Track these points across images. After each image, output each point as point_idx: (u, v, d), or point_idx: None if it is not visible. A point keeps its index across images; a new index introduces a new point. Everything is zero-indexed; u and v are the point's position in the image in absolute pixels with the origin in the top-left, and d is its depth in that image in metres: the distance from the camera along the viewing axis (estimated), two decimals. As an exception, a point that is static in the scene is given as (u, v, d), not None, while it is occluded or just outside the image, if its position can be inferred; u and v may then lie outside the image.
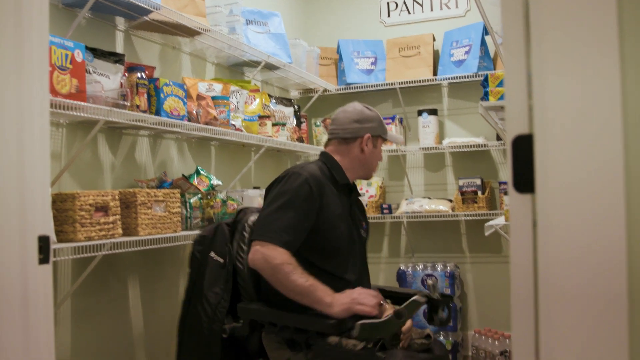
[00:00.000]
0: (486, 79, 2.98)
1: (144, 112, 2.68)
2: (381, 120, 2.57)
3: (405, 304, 2.13)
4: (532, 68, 1.07)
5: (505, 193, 4.26)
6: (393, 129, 4.64)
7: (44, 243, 1.49)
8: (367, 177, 2.60)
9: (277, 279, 2.15)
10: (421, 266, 4.55)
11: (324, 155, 2.51)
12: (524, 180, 1.09)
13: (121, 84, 2.66)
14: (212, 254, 2.35)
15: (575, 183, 1.04)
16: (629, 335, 1.01)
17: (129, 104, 2.62)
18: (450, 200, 4.60)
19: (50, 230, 1.54)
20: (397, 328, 2.11)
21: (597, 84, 1.04)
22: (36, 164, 1.49)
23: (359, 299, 2.12)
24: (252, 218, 2.40)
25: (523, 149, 1.09)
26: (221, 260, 2.35)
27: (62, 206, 2.31)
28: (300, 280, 2.12)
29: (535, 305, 1.11)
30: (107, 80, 2.61)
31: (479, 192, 4.45)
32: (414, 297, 2.19)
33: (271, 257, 2.14)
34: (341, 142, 2.49)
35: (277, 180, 2.33)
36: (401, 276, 4.46)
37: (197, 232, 2.71)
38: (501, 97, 2.91)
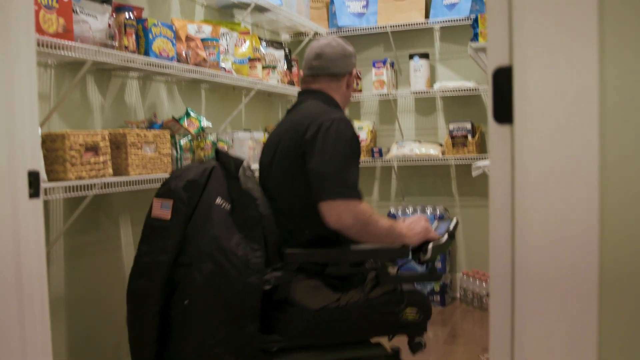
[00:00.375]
0: (476, 19, 2.97)
1: (133, 52, 2.67)
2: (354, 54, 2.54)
3: (452, 226, 2.29)
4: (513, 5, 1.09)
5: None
6: (384, 73, 4.63)
7: (33, 178, 1.51)
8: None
9: (367, 232, 2.13)
10: (411, 209, 4.61)
11: (321, 95, 2.39)
12: (503, 111, 1.11)
13: (109, 24, 2.64)
14: (219, 200, 2.10)
15: (552, 113, 1.06)
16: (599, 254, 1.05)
17: (117, 45, 2.60)
18: (441, 145, 4.63)
19: (39, 166, 1.56)
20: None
21: (575, 17, 1.06)
22: (24, 100, 1.50)
23: (426, 226, 2.24)
24: (252, 165, 2.29)
25: (503, 81, 1.11)
26: (229, 207, 2.13)
27: (52, 146, 2.33)
28: (384, 223, 2.17)
29: (512, 235, 1.15)
30: (95, 20, 2.58)
31: (469, 136, 4.47)
32: (456, 221, 2.36)
33: (360, 213, 2.10)
34: (332, 79, 2.41)
35: (308, 134, 2.18)
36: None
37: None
38: (490, 38, 2.90)
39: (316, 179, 2.13)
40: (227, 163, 2.21)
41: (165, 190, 2.17)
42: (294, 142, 2.22)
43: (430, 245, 2.19)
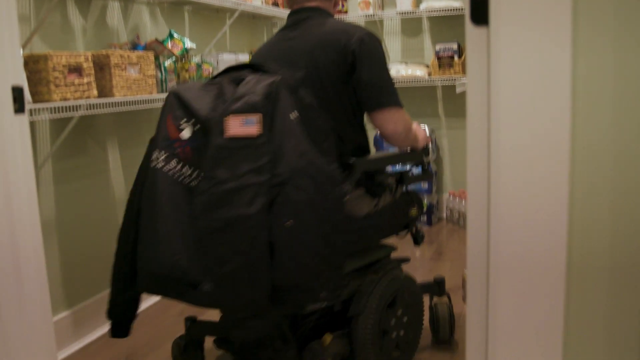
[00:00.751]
0: None
1: (112, -29, 2.63)
2: None
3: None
4: None
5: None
6: (370, -7, 4.56)
7: (18, 93, 1.52)
8: None
9: (408, 137, 2.30)
10: (397, 131, 4.62)
11: (325, 12, 2.33)
12: (480, 12, 1.12)
13: (87, -58, 2.59)
14: (294, 115, 1.89)
15: (524, 14, 1.08)
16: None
17: (96, -37, 2.56)
18: (427, 66, 4.62)
19: (23, 81, 1.57)
20: None
21: None
22: (2, 16, 1.49)
23: (423, 130, 2.53)
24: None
25: (479, -18, 1.12)
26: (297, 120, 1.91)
27: (35, 67, 2.32)
28: (413, 129, 2.37)
29: (488, 140, 1.18)
30: (72, -62, 2.54)
31: (456, 57, 4.46)
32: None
33: (408, 120, 2.27)
34: None
35: (350, 48, 2.15)
36: (378, 141, 4.54)
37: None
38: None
39: (371, 89, 2.17)
40: (285, 76, 1.95)
41: (243, 104, 1.85)
42: (336, 56, 2.16)
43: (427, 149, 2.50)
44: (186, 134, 1.94)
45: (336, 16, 3.28)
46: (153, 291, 1.99)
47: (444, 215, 4.79)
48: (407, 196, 2.47)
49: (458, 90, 3.30)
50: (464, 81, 3.34)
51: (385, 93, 2.19)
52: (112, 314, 2.07)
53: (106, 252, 2.99)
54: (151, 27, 3.31)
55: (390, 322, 2.28)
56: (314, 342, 2.15)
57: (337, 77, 2.18)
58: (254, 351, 2.19)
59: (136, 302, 2.11)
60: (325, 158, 1.91)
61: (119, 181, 3.08)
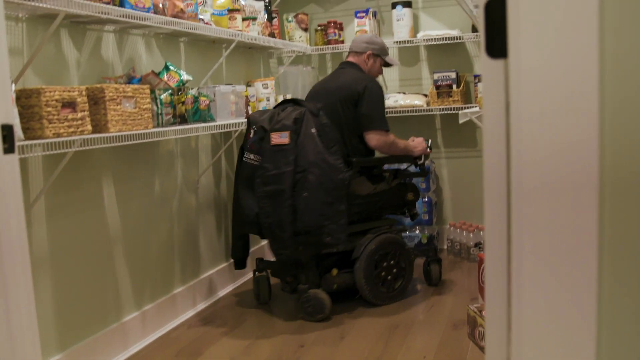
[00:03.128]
0: (461, -37, 2.89)
1: (107, 4, 2.58)
2: (383, 46, 3.80)
3: (429, 142, 3.81)
4: None
5: (480, 82, 4.23)
6: (367, 23, 4.54)
7: (7, 132, 1.45)
8: None
9: (390, 149, 3.62)
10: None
11: (352, 65, 3.78)
12: (497, 44, 1.06)
13: (81, -26, 2.54)
14: (313, 130, 3.22)
15: (549, 46, 1.01)
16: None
17: (90, -5, 2.51)
18: (425, 95, 4.58)
19: (13, 119, 1.50)
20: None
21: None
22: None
23: (424, 144, 3.75)
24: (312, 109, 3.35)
25: (496, 12, 1.05)
26: (317, 134, 3.25)
27: (27, 102, 2.25)
28: (401, 144, 3.66)
29: (508, 169, 1.11)
30: (66, -30, 2.49)
31: (454, 86, 4.42)
32: (430, 140, 3.86)
33: (388, 140, 3.60)
34: (356, 55, 3.80)
35: (358, 90, 3.55)
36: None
37: (169, 128, 2.90)
38: (476, -19, 2.83)
39: (366, 119, 3.55)
40: (310, 107, 3.32)
41: (281, 126, 3.24)
42: (350, 95, 3.56)
43: (427, 154, 3.79)
44: (252, 135, 3.37)
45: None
46: (244, 230, 3.56)
47: (445, 246, 4.71)
48: (403, 186, 3.74)
49: (461, 120, 3.24)
50: (467, 111, 3.29)
51: (373, 121, 3.56)
52: (233, 253, 3.69)
53: (100, 289, 2.90)
54: (147, 59, 3.25)
55: (382, 266, 3.50)
56: (328, 273, 3.45)
57: (349, 108, 3.57)
58: (291, 272, 3.53)
59: (247, 244, 3.71)
60: (333, 156, 3.24)
61: (114, 216, 3.00)
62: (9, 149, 1.45)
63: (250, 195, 3.34)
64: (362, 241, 3.45)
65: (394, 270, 3.55)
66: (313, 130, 3.21)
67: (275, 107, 3.50)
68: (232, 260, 3.80)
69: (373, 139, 3.53)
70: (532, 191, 1.07)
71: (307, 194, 3.18)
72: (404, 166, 3.87)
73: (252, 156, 3.34)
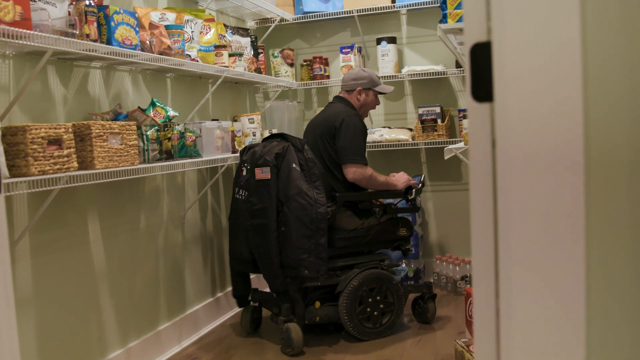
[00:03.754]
0: (444, 1, 2.93)
1: (94, 41, 2.59)
2: (371, 77, 3.82)
3: (423, 177, 3.91)
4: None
5: (465, 117, 4.27)
6: (352, 59, 4.59)
7: (-7, 172, 1.44)
8: (365, 116, 3.95)
9: (370, 183, 3.61)
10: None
11: (343, 100, 3.84)
12: (483, 88, 1.07)
13: (69, 12, 2.56)
14: (295, 165, 3.27)
15: (534, 91, 1.03)
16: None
17: (78, 33, 2.52)
18: (410, 129, 4.61)
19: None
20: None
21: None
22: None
23: (408, 177, 3.75)
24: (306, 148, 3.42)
25: (481, 57, 1.07)
26: (299, 169, 3.30)
27: (13, 140, 2.24)
28: (381, 178, 3.66)
29: (495, 215, 1.12)
30: (54, 8, 2.50)
31: (439, 120, 4.46)
32: (424, 175, 4.19)
33: (365, 173, 3.59)
34: (347, 92, 3.87)
35: (335, 124, 3.62)
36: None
37: (156, 164, 2.90)
38: (460, 19, 2.87)
39: (341, 151, 3.60)
40: (295, 142, 3.37)
41: (263, 161, 3.31)
42: (328, 129, 3.64)
43: (415, 189, 3.73)
44: (244, 172, 3.45)
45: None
46: (240, 269, 3.61)
47: (432, 280, 4.70)
48: (395, 220, 3.73)
49: (446, 156, 3.27)
50: (452, 146, 3.32)
51: (349, 154, 3.59)
52: (235, 291, 3.68)
53: (85, 326, 2.86)
54: (134, 94, 3.26)
55: (368, 302, 3.47)
56: (311, 306, 3.44)
57: (328, 142, 3.64)
58: (278, 302, 3.47)
59: (247, 280, 3.70)
60: (315, 190, 3.28)
61: (99, 252, 2.97)
62: (-5, 189, 1.44)
63: (241, 232, 3.45)
64: (347, 276, 3.45)
65: (381, 305, 3.52)
66: (294, 165, 3.27)
67: (262, 141, 3.58)
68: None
69: (350, 171, 3.58)
70: (519, 226, 1.08)
71: (285, 228, 3.25)
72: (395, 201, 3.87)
73: (242, 192, 3.46)
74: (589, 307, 1.05)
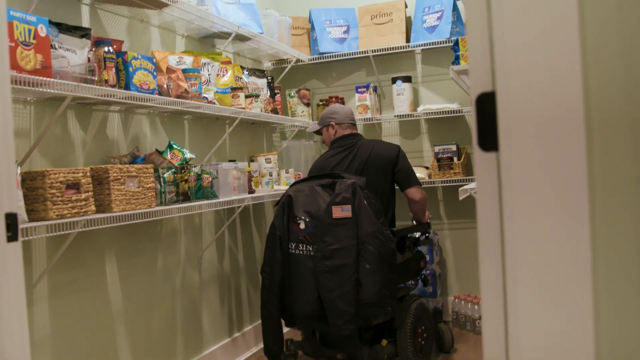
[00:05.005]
0: (457, 42, 2.97)
1: (113, 86, 2.64)
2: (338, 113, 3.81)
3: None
4: (493, 24, 1.07)
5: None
6: (367, 98, 4.64)
7: (11, 220, 1.47)
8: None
9: (425, 206, 3.69)
10: (400, 233, 4.57)
11: (361, 136, 3.82)
12: (489, 138, 1.08)
13: (88, 58, 2.62)
14: (365, 202, 3.21)
15: (539, 141, 1.04)
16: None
17: (96, 79, 2.58)
18: (427, 167, 4.62)
19: (17, 208, 1.52)
20: None
21: (558, 40, 1.04)
22: (-1, 141, 1.46)
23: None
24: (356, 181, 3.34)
25: (487, 106, 1.09)
26: (368, 206, 3.25)
27: (32, 184, 2.28)
28: None
29: (503, 272, 1.12)
30: (74, 55, 2.56)
31: (455, 158, 4.46)
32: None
33: (425, 194, 3.68)
34: (353, 126, 3.83)
35: (392, 155, 3.62)
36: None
37: (172, 206, 2.94)
38: (472, 61, 2.90)
39: (407, 176, 3.63)
40: (358, 180, 3.30)
41: (342, 199, 3.21)
42: (387, 162, 3.61)
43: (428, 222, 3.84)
44: (302, 226, 3.28)
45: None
46: (304, 326, 3.44)
47: (450, 318, 4.66)
48: (419, 253, 3.78)
49: (461, 197, 3.27)
50: (466, 187, 3.32)
51: (414, 177, 3.65)
52: (267, 349, 3.37)
53: (101, 370, 2.87)
54: (151, 137, 3.31)
55: (418, 332, 3.47)
56: (377, 345, 3.39)
57: (388, 173, 3.62)
58: (337, 349, 3.47)
59: (280, 335, 3.39)
60: (383, 227, 3.21)
61: (116, 293, 2.99)
62: (12, 237, 1.47)
63: (305, 288, 3.25)
64: (402, 309, 3.42)
65: (425, 335, 3.55)
66: (365, 202, 3.21)
67: (302, 181, 3.48)
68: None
69: (417, 193, 3.62)
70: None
71: (370, 265, 3.15)
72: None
73: (301, 247, 3.29)
74: (595, 272, 1.05)
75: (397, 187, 3.70)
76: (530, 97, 1.05)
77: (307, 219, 3.26)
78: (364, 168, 3.62)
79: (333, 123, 3.78)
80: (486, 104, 1.09)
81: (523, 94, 1.05)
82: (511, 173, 1.05)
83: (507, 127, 1.06)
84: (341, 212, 3.20)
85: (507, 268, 1.12)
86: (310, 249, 3.24)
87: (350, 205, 3.18)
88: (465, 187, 3.40)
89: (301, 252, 3.27)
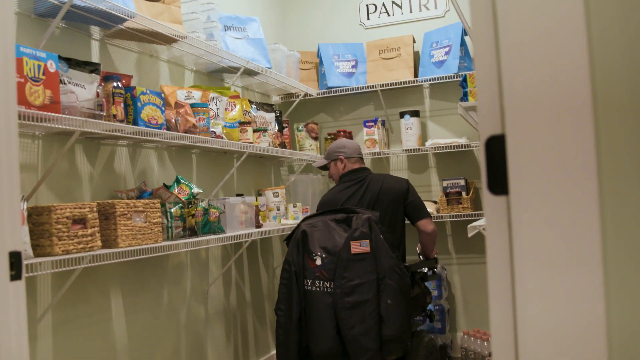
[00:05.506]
0: (465, 79, 2.97)
1: (121, 121, 2.65)
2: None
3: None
4: (502, 67, 1.06)
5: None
6: (375, 132, 4.64)
7: (15, 259, 1.46)
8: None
9: (435, 238, 3.71)
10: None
11: (369, 170, 3.82)
12: (498, 181, 1.07)
13: (97, 93, 2.63)
14: (381, 236, 3.17)
15: (549, 185, 1.02)
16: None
17: (105, 114, 2.58)
18: (435, 202, 4.59)
19: (21, 245, 1.51)
20: None
21: (569, 82, 1.03)
22: (2, 179, 1.46)
23: None
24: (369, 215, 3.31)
25: (496, 149, 1.07)
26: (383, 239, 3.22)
27: (38, 219, 2.28)
28: None
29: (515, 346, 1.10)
30: (83, 90, 2.57)
31: (464, 193, 4.44)
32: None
33: (434, 226, 3.67)
34: (361, 160, 3.85)
35: (403, 188, 3.63)
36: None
37: (179, 241, 2.93)
38: (480, 97, 2.90)
39: (418, 208, 3.63)
40: (373, 215, 3.27)
41: (360, 234, 3.15)
42: (399, 196, 3.61)
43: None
44: (318, 262, 3.18)
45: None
46: None
47: (459, 355, 4.59)
48: (425, 289, 3.74)
49: (470, 234, 3.24)
50: (475, 224, 3.29)
51: (424, 209, 3.66)
52: None
53: (105, 408, 2.83)
54: (159, 171, 3.30)
55: None
56: None
57: (400, 205, 3.61)
58: None
59: None
60: (398, 261, 3.18)
61: (121, 329, 2.96)
62: (16, 275, 1.45)
63: (324, 326, 3.15)
64: (414, 344, 3.42)
65: None
66: (381, 236, 3.18)
67: (313, 216, 3.42)
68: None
69: (429, 224, 3.62)
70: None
71: (391, 300, 3.10)
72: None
73: (318, 283, 3.20)
74: (605, 248, 1.01)
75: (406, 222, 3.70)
76: (541, 141, 1.03)
77: (324, 255, 3.19)
78: (375, 202, 3.59)
79: (342, 157, 3.76)
80: (495, 147, 1.08)
81: (533, 137, 1.04)
82: (521, 218, 1.03)
83: (517, 170, 1.05)
84: (360, 247, 3.15)
85: (517, 310, 1.10)
86: (328, 285, 3.16)
87: (368, 240, 3.14)
88: (473, 224, 3.37)
89: (318, 289, 3.19)
